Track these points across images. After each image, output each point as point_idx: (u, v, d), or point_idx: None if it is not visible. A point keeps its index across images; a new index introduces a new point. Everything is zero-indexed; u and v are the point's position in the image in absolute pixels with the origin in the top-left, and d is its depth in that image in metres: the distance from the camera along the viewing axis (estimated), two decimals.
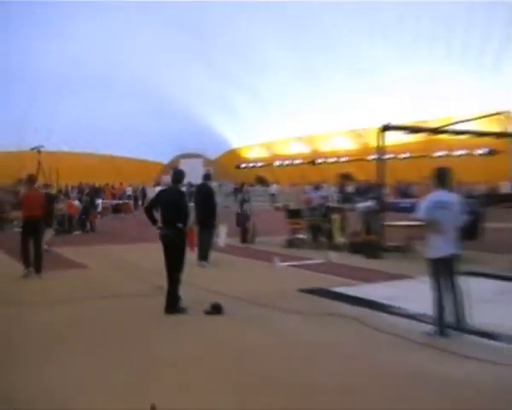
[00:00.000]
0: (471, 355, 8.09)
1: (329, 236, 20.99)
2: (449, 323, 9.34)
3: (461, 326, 9.38)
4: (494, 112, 32.62)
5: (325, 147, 67.39)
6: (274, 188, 58.00)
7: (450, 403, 6.58)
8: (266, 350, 8.56)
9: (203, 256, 17.03)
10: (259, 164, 75.95)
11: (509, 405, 6.50)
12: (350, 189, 48.31)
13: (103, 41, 58.38)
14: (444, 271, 9.43)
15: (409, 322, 10.13)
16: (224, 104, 72.50)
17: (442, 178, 9.77)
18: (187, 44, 60.92)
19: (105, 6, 52.57)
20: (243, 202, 23.77)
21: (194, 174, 63.84)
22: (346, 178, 55.81)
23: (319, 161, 61.54)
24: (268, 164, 73.64)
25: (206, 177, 18.51)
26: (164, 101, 71.76)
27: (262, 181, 74.45)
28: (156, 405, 5.41)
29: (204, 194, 17.56)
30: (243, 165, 78.35)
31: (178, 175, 11.79)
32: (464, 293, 9.52)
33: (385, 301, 11.68)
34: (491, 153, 36.61)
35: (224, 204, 50.28)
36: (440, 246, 9.33)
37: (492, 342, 8.84)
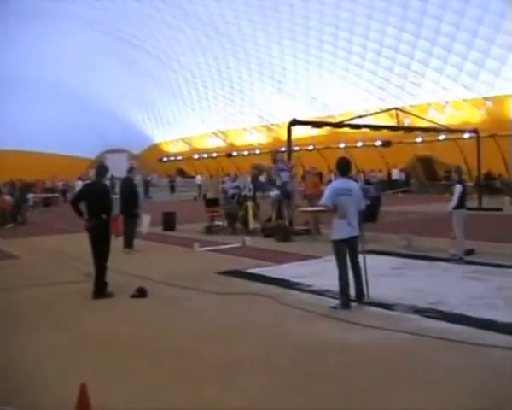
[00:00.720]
0: (369, 324, 8.32)
1: (244, 222, 21.08)
2: (352, 296, 9.57)
3: (362, 299, 9.63)
4: (389, 108, 33.50)
5: (240, 141, 67.69)
6: (199, 179, 56.34)
7: (350, 365, 6.75)
8: (187, 329, 8.55)
9: (128, 244, 16.89)
10: (180, 157, 75.76)
11: (403, 366, 6.71)
12: (263, 178, 48.58)
13: (30, 45, 56.93)
14: (347, 250, 9.65)
15: (317, 298, 10.29)
16: (147, 103, 72.10)
17: (343, 167, 9.98)
18: (110, 46, 60.06)
19: (28, 10, 51.07)
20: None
21: (118, 168, 63.11)
22: (259, 168, 56.17)
23: (234, 153, 61.66)
24: (188, 157, 73.50)
25: (130, 170, 18.41)
26: (91, 101, 70.91)
27: (182, 173, 74.41)
28: (86, 383, 5.32)
29: (127, 186, 17.49)
30: (165, 158, 77.96)
31: (101, 170, 11.78)
32: (365, 269, 9.78)
33: (295, 280, 11.82)
34: (386, 144, 37.45)
35: (148, 195, 50.07)
36: (343, 229, 9.53)
37: (389, 312, 9.09)
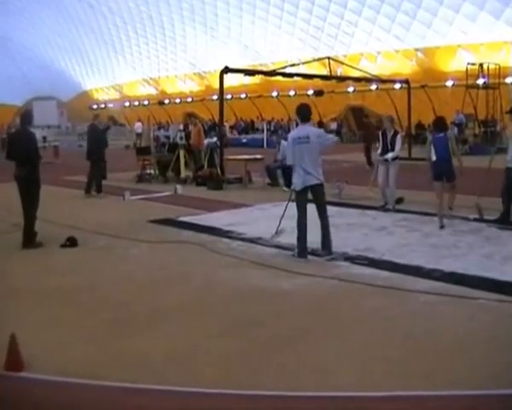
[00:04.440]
0: (300, 271, 8.39)
1: (176, 170, 20.90)
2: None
3: (327, 251, 9.49)
4: (322, 57, 33.51)
5: (172, 89, 66.80)
6: (139, 126, 47.06)
7: (280, 311, 6.81)
8: (118, 278, 8.47)
9: (98, 188, 17.58)
10: (111, 105, 74.33)
11: (332, 312, 6.82)
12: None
13: None
14: (305, 200, 9.50)
15: (248, 245, 10.33)
16: (76, 49, 70.17)
17: (303, 113, 9.70)
18: None
19: None
20: None
21: (48, 116, 61.19)
22: (191, 117, 55.65)
23: (166, 101, 60.81)
24: (118, 105, 72.21)
25: (95, 117, 19.24)
26: (17, 47, 68.45)
27: (113, 121, 73.02)
28: (16, 335, 5.22)
29: (92, 132, 18.25)
30: (95, 106, 76.36)
31: (26, 117, 11.56)
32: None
33: (227, 228, 11.84)
34: (319, 93, 37.53)
35: (79, 143, 48.92)
36: (299, 178, 9.39)
37: (319, 259, 9.21)
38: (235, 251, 9.87)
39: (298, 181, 9.44)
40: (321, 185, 9.52)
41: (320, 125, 51.15)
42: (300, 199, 9.51)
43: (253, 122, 55.50)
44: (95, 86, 77.56)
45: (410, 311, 6.76)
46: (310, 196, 9.62)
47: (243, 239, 10.83)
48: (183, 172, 20.57)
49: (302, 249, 9.38)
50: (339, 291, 7.58)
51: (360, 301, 7.14)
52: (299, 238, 9.44)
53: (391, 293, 7.38)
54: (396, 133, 14.34)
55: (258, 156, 20.22)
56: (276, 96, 49.35)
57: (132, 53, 65.97)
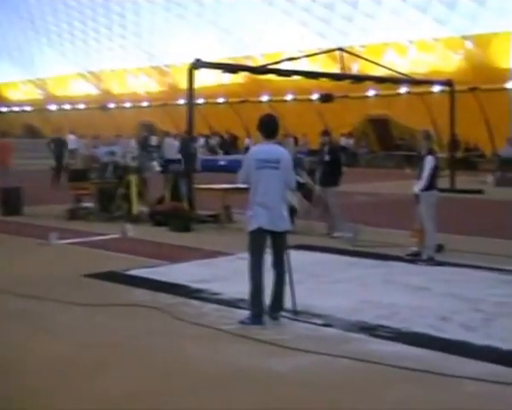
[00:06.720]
0: (299, 347, 8.40)
1: (125, 204, 20.87)
2: (266, 307, 9.62)
3: (278, 312, 9.70)
4: (332, 48, 33.77)
5: (120, 88, 66.59)
6: (73, 140, 41.29)
7: (272, 403, 6.82)
8: (39, 359, 8.27)
9: None
10: (29, 108, 73.45)
11: (343, 405, 6.86)
12: (154, 142, 48.16)
13: None
14: (265, 244, 9.68)
15: (226, 310, 10.38)
16: None
17: (269, 126, 9.87)
18: None
19: None
20: None
21: None
22: (149, 128, 55.69)
23: (112, 105, 60.67)
24: (40, 108, 71.29)
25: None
26: None
27: (33, 132, 71.65)
28: None
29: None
30: (4, 109, 75.36)
31: None
32: (289, 271, 9.83)
33: (197, 285, 11.91)
34: (327, 98, 37.53)
35: None
36: (261, 215, 9.50)
37: (324, 330, 9.25)
38: (208, 318, 9.90)
39: (260, 217, 9.51)
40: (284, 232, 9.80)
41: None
42: (257, 242, 9.63)
43: (235, 137, 54.59)
44: (4, 80, 76.86)
45: (455, 407, 6.79)
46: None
47: (219, 301, 10.91)
48: (136, 207, 20.54)
49: (260, 313, 9.50)
50: (353, 376, 7.57)
51: (382, 392, 7.14)
52: (254, 297, 9.54)
53: (426, 379, 7.40)
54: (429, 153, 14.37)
55: (243, 185, 20.14)
56: (268, 102, 49.50)
57: (62, 35, 65.65)
